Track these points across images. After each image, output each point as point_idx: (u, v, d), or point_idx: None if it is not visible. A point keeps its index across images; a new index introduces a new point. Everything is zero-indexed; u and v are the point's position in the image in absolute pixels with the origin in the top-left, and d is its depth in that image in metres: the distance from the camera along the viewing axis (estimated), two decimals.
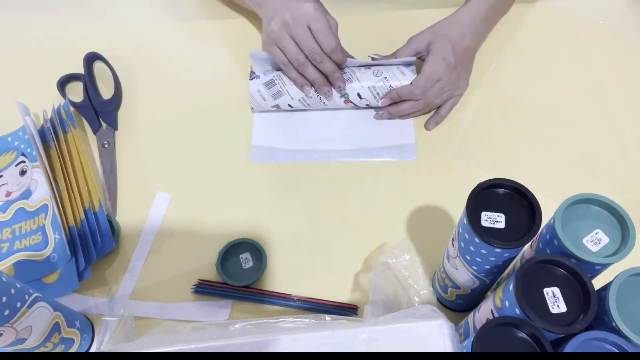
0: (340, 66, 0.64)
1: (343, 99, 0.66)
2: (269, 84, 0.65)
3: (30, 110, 0.68)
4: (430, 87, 0.63)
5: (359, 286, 0.57)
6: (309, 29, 0.61)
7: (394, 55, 0.66)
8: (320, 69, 0.63)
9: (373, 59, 0.67)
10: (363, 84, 0.65)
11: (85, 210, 0.60)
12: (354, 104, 0.66)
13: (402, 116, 0.67)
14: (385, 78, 0.65)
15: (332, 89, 0.64)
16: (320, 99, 0.66)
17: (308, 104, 0.66)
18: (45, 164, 0.61)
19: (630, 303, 0.37)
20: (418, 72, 0.65)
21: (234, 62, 0.74)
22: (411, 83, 0.64)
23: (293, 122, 0.68)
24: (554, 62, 0.72)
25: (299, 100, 0.66)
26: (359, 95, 0.65)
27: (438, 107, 0.67)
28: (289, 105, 0.66)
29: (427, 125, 0.67)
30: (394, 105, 0.65)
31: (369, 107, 0.67)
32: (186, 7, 0.80)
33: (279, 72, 0.66)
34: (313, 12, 0.61)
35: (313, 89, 0.64)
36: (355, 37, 0.70)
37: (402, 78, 0.64)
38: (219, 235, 0.60)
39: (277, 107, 0.67)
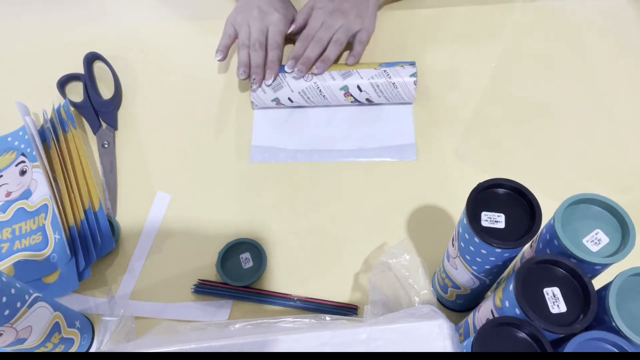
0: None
1: (343, 92, 0.66)
2: None
3: (30, 110, 0.68)
4: (308, 20, 0.68)
5: (359, 286, 0.57)
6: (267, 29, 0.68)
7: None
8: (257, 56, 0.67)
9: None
10: (363, 76, 0.65)
11: (85, 210, 0.60)
12: (354, 97, 0.66)
13: (311, 64, 0.66)
14: (385, 71, 0.65)
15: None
16: (320, 91, 0.66)
17: (308, 97, 0.66)
18: (45, 164, 0.61)
19: (630, 303, 0.37)
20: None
21: (234, 63, 0.74)
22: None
23: (293, 122, 0.68)
24: (554, 62, 0.72)
25: (298, 92, 0.66)
26: (358, 87, 0.65)
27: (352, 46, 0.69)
28: (289, 98, 0.67)
29: (346, 61, 0.68)
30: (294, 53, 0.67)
31: (369, 102, 0.67)
32: (186, 7, 0.80)
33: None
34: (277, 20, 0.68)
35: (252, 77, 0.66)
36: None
37: (402, 72, 0.65)
38: (219, 235, 0.60)
39: (277, 102, 0.67)
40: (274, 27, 0.68)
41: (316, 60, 0.66)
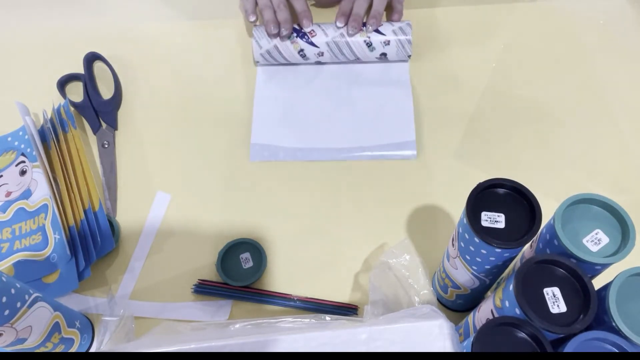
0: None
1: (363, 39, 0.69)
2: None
3: (30, 110, 0.68)
4: None
5: (359, 286, 0.57)
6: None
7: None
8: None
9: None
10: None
11: (85, 210, 0.60)
12: (373, 46, 0.69)
13: (362, 19, 0.68)
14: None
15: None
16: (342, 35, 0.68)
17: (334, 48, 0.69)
18: (45, 164, 0.61)
19: (630, 303, 0.37)
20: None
21: (234, 62, 0.74)
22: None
23: (292, 119, 0.68)
24: (554, 62, 0.72)
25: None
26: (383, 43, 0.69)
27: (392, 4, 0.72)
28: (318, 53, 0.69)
29: (392, 18, 0.71)
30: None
31: (383, 56, 0.70)
32: (186, 7, 0.80)
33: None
34: None
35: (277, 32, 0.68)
36: None
37: (399, 33, 0.69)
38: (219, 235, 0.61)
39: (279, 53, 0.69)
40: None
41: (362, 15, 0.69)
